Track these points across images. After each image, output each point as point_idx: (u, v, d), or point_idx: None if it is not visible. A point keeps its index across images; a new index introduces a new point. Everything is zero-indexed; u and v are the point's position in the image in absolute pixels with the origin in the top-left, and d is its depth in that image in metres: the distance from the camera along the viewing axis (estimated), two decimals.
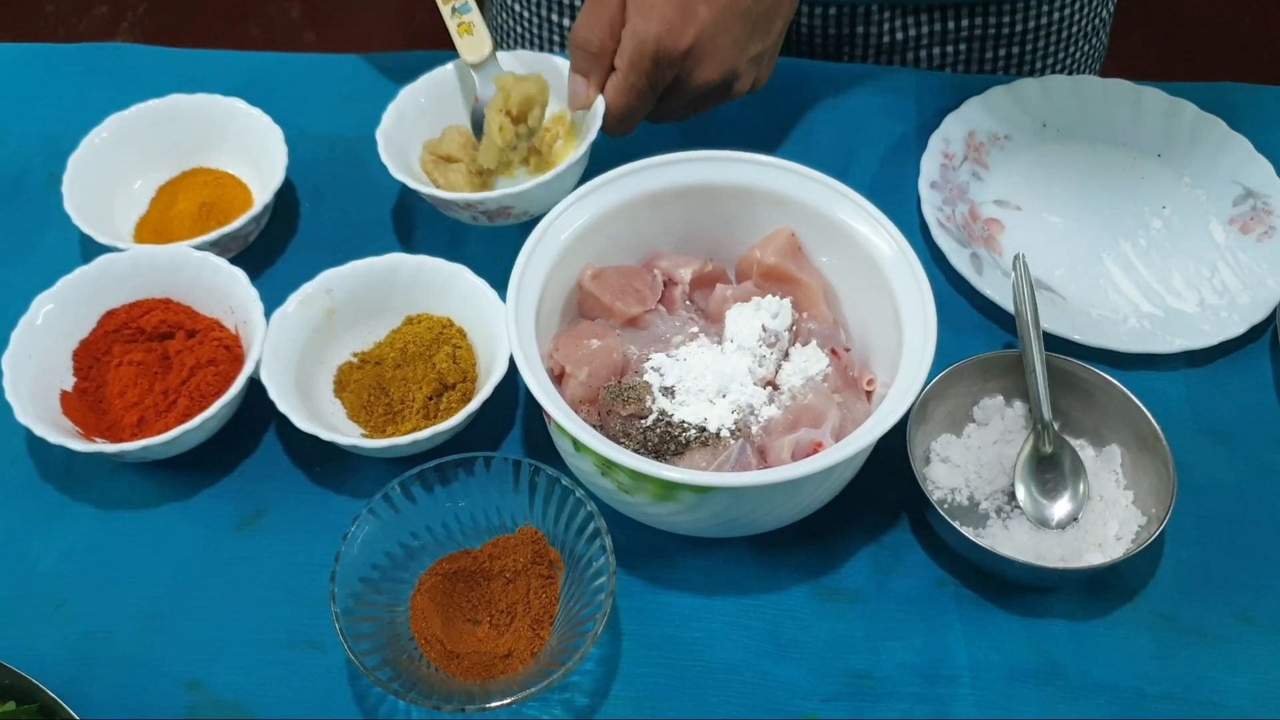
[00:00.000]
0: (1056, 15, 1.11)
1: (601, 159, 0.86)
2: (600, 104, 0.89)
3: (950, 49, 1.11)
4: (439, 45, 1.07)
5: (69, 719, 0.66)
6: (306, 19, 2.48)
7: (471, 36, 0.92)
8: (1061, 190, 0.98)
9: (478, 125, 0.92)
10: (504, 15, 1.18)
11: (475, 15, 0.93)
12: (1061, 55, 1.15)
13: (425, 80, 0.95)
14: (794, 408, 0.75)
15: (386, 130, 0.91)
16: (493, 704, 0.66)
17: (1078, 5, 1.12)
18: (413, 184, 0.87)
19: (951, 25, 1.10)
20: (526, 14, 1.15)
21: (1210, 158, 0.98)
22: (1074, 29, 1.14)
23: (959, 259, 0.90)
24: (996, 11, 1.09)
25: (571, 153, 0.89)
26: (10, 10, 2.50)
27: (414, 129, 0.94)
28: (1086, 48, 1.17)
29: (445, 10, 0.93)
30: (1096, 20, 1.16)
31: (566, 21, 1.12)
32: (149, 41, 1.08)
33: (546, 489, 0.74)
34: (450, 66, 0.96)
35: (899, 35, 1.09)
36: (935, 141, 0.97)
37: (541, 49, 1.15)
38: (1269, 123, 1.01)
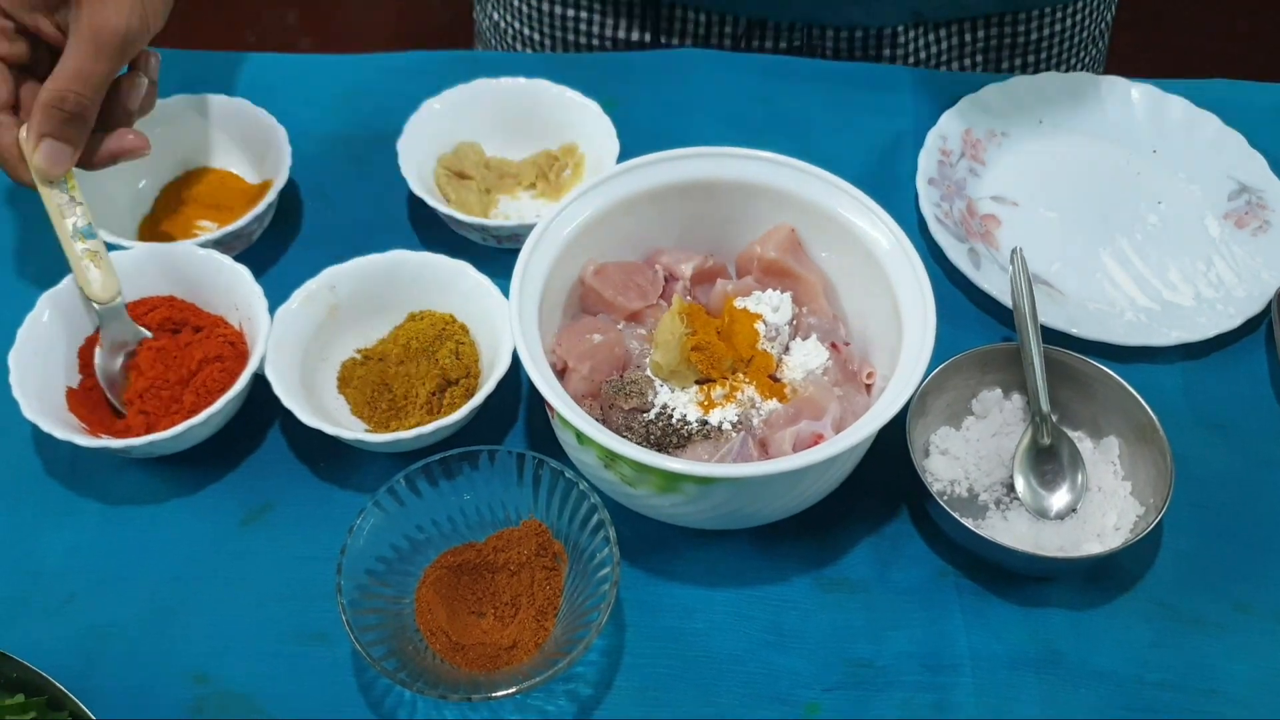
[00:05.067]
0: (1069, 21, 1.13)
1: None
2: (616, 146, 0.92)
3: (968, 61, 1.13)
4: (435, 49, 1.08)
5: (77, 711, 0.66)
6: (303, 25, 2.48)
7: (99, 271, 0.80)
8: (1058, 186, 0.99)
9: (106, 378, 0.81)
10: (500, 10, 1.19)
11: (101, 245, 0.81)
12: (1073, 61, 1.16)
13: (445, 94, 0.96)
14: (795, 400, 0.76)
15: (406, 143, 0.92)
16: (498, 694, 0.66)
17: (1087, 10, 1.14)
18: (431, 201, 0.89)
19: (969, 38, 1.11)
20: (526, 8, 1.15)
21: (1205, 153, 0.99)
22: (1083, 34, 1.15)
23: (957, 254, 0.91)
24: (1012, 21, 1.11)
25: (580, 184, 0.90)
26: None
27: (429, 140, 0.95)
28: (1094, 51, 1.19)
29: (65, 230, 0.80)
30: (1102, 24, 1.18)
31: (571, 12, 1.12)
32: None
33: (550, 482, 0.74)
34: (472, 84, 0.97)
35: (922, 54, 1.11)
36: (933, 138, 0.98)
37: (542, 46, 1.16)
38: (1262, 119, 1.02)
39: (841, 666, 0.73)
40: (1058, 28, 1.13)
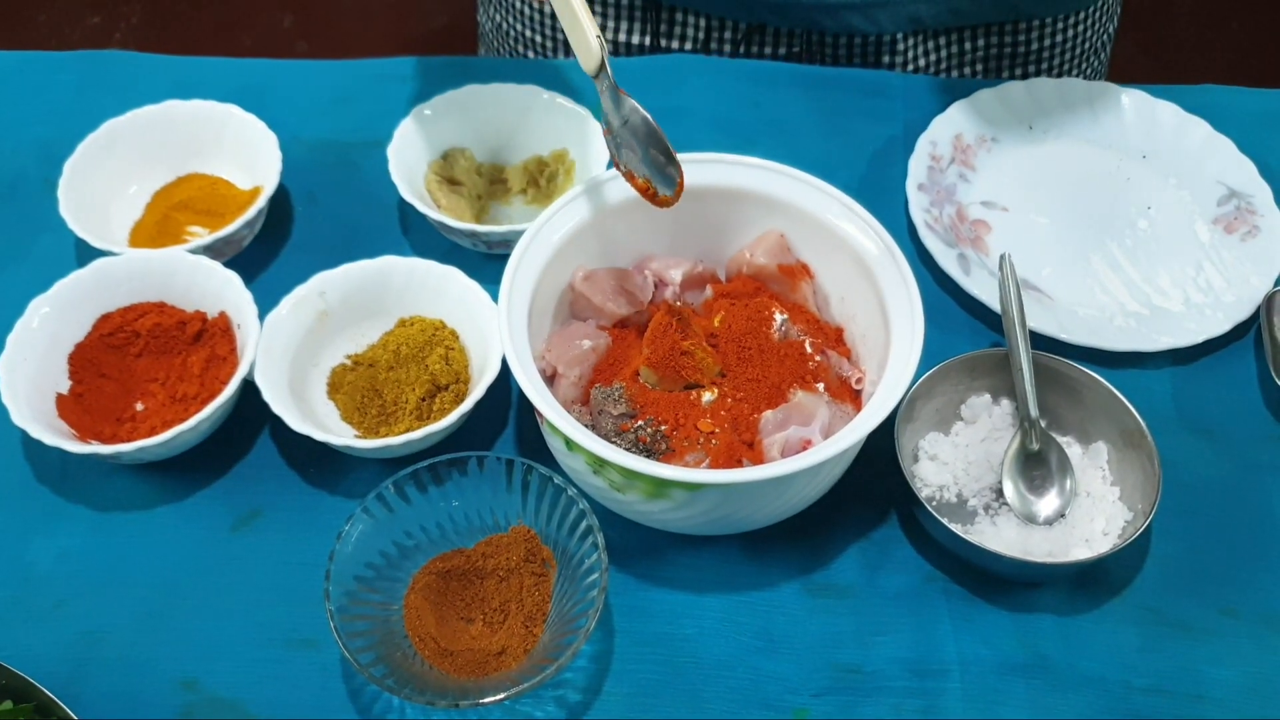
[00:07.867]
0: (1071, 32, 1.13)
1: None
2: (606, 152, 0.90)
3: (967, 69, 1.13)
4: (432, 53, 1.08)
5: (66, 717, 0.66)
6: (298, 29, 2.48)
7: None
8: (1048, 191, 0.99)
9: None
10: (502, 13, 1.19)
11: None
12: (1074, 72, 1.16)
13: (435, 100, 0.96)
14: (784, 406, 0.76)
15: (396, 149, 0.92)
16: (486, 700, 0.66)
17: (1090, 22, 1.14)
18: (421, 207, 0.89)
19: (968, 46, 1.11)
20: (528, 10, 1.15)
21: (1195, 159, 1.00)
22: (1086, 45, 1.15)
23: (946, 259, 0.91)
24: (1012, 31, 1.11)
25: (570, 189, 0.90)
26: (2, 21, 2.51)
27: (420, 146, 0.95)
28: (1096, 63, 1.19)
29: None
30: (1104, 35, 1.18)
31: None
32: (142, 51, 1.09)
33: (539, 488, 0.74)
34: (463, 90, 0.97)
35: (921, 61, 1.11)
36: (923, 144, 0.98)
37: (543, 49, 1.16)
38: (1252, 124, 1.02)
39: (830, 672, 0.73)
40: (1059, 38, 1.13)
